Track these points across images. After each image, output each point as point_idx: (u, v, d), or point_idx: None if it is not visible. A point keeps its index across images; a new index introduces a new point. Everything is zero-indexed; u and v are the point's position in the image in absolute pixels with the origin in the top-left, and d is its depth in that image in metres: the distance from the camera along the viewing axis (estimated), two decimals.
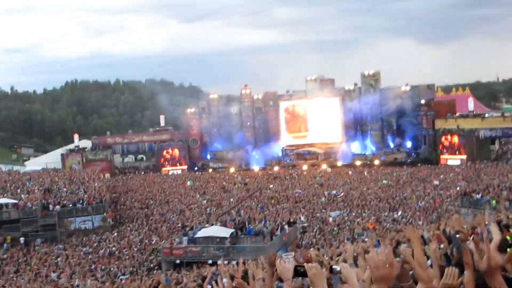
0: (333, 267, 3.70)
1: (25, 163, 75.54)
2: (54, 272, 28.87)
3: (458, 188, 42.71)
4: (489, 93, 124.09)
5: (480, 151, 58.52)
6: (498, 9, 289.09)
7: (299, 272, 3.66)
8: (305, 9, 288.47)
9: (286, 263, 4.04)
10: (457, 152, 58.57)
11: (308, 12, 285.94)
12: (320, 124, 66.11)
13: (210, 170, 63.64)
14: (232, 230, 31.61)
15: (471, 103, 66.23)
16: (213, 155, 67.94)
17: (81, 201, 42.74)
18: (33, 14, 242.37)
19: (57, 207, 41.29)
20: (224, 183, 54.79)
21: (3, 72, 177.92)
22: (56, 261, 32.29)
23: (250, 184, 53.04)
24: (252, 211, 41.25)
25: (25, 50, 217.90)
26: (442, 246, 9.54)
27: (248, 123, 69.08)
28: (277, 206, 43.29)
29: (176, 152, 67.30)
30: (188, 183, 55.16)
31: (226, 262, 24.32)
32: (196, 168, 65.87)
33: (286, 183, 52.38)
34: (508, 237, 7.96)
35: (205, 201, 46.96)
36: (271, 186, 51.53)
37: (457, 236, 10.65)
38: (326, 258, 15.38)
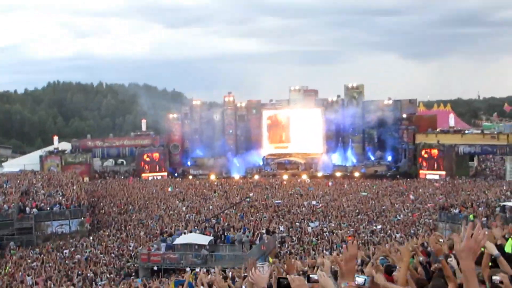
0: (310, 276, 3.72)
1: (3, 164, 74.48)
2: (29, 276, 28.49)
3: (437, 203, 43.20)
4: (469, 110, 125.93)
5: (459, 166, 59.22)
6: (480, 28, 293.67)
7: (282, 284, 3.64)
8: (289, 20, 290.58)
9: (261, 271, 4.06)
10: (435, 166, 59.17)
11: (293, 23, 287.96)
12: (301, 134, 66.43)
13: (191, 177, 63.46)
14: (211, 238, 31.57)
15: (451, 119, 67.03)
16: (194, 162, 67.75)
17: (58, 205, 42.25)
18: (16, 14, 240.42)
19: (34, 210, 40.73)
20: (204, 190, 54.68)
21: None
22: (32, 265, 31.88)
23: (231, 192, 53.00)
24: (231, 219, 41.20)
25: (7, 49, 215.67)
26: (421, 259, 9.72)
27: (230, 131, 69.06)
28: (257, 215, 43.28)
29: (157, 157, 67.00)
30: (169, 189, 54.95)
31: (204, 270, 24.31)
32: (176, 174, 65.61)
33: (266, 192, 52.42)
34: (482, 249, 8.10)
35: (184, 208, 46.81)
36: (251, 194, 51.53)
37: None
38: (306, 268, 15.46)
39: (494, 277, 4.79)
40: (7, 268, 31.09)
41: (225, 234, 33.02)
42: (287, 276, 3.70)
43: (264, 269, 4.14)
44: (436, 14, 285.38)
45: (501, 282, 4.68)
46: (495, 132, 62.98)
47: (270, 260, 27.83)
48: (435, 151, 59.45)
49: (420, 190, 50.75)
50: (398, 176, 59.01)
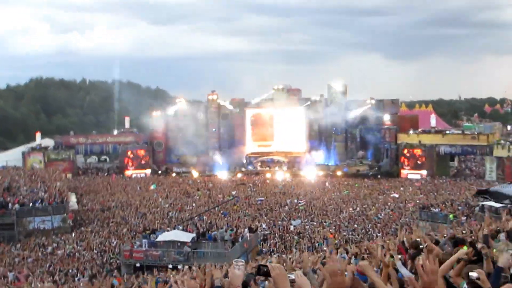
0: (287, 275, 3.63)
1: None
2: (10, 271, 28.33)
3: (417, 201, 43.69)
4: (451, 111, 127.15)
5: (440, 166, 59.86)
6: (461, 30, 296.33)
7: (262, 271, 3.65)
8: (274, 19, 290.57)
9: (236, 269, 4.02)
10: (417, 164, 59.72)
11: (277, 22, 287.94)
12: (285, 133, 66.65)
13: (174, 174, 63.36)
14: (193, 235, 31.60)
15: (433, 120, 67.77)
16: (177, 159, 67.66)
17: (41, 201, 42.00)
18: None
19: (16, 206, 40.47)
20: (187, 187, 54.65)
21: None
22: (13, 261, 31.70)
23: (214, 190, 53.05)
24: (214, 217, 41.26)
25: None
26: (400, 256, 9.95)
27: (214, 129, 69.05)
28: (239, 212, 43.39)
29: (140, 154, 66.79)
30: (152, 187, 54.83)
31: (186, 267, 24.37)
32: (159, 172, 65.46)
33: (249, 190, 52.56)
34: (465, 248, 8.33)
35: (167, 205, 46.76)
36: (233, 192, 51.63)
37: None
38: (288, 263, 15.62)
39: (471, 274, 4.94)
40: None
41: (208, 231, 33.08)
42: (267, 264, 3.70)
43: (239, 267, 4.03)
44: (418, 15, 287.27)
45: (478, 278, 4.83)
46: (476, 133, 63.78)
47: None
48: (417, 151, 60.00)
49: (402, 189, 51.22)
50: (380, 175, 59.45)
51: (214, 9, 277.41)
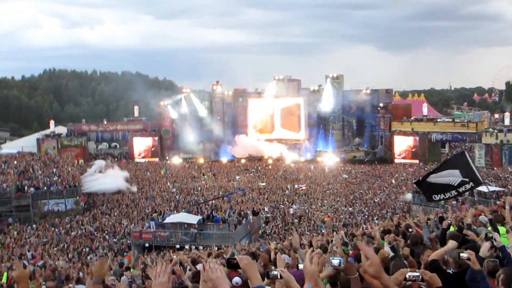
0: (270, 272, 3.47)
1: (1, 146, 73.62)
2: (28, 251, 28.36)
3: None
4: (442, 100, 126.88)
5: (432, 153, 59.61)
6: (451, 22, 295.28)
7: (231, 263, 3.40)
8: (273, 13, 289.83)
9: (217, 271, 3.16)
10: (408, 152, 59.50)
11: (276, 16, 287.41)
12: (285, 122, 66.46)
13: (181, 160, 63.22)
14: (200, 217, 31.57)
15: (425, 108, 67.53)
16: (184, 146, 67.47)
17: (55, 185, 42.01)
18: (11, 3, 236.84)
19: (32, 189, 40.47)
20: (193, 173, 54.57)
21: None
22: (29, 240, 31.72)
23: (219, 175, 52.92)
24: (219, 200, 41.15)
25: (4, 36, 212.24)
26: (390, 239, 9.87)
27: (218, 118, 68.82)
28: (243, 196, 43.27)
29: (149, 141, 66.66)
30: (161, 171, 54.77)
31: (193, 247, 24.31)
32: (167, 158, 65.31)
33: (252, 176, 52.46)
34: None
35: (175, 189, 46.67)
36: (237, 177, 51.50)
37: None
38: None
39: (461, 254, 4.87)
40: (7, 242, 30.94)
41: (213, 214, 33.03)
42: (235, 256, 3.42)
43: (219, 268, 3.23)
44: (410, 8, 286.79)
45: (468, 259, 4.79)
46: (465, 121, 63.48)
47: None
48: (409, 138, 59.78)
49: (396, 175, 51.04)
50: (375, 161, 59.26)
51: (214, 4, 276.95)
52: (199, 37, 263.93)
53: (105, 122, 71.19)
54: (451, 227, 9.55)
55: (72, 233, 33.72)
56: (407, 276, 4.05)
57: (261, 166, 57.01)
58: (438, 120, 65.36)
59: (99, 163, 52.54)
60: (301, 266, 4.40)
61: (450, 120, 66.43)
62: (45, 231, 34.57)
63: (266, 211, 38.27)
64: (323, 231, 29.80)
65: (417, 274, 4.06)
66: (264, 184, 47.83)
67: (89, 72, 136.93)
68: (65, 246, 30.54)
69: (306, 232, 31.63)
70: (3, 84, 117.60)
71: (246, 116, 68.21)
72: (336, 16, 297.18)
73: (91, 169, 50.47)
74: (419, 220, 12.51)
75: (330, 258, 3.99)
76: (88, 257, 27.50)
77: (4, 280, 13.26)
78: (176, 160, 62.10)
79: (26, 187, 40.65)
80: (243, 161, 60.69)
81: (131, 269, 15.33)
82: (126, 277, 12.28)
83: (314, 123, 66.33)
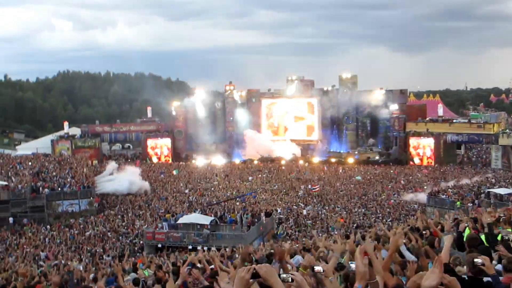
0: (283, 276, 3.37)
1: (17, 147, 74.44)
2: (42, 251, 28.66)
3: (425, 187, 43.32)
4: (457, 101, 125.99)
5: (447, 154, 59.26)
6: (468, 22, 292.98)
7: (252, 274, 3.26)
8: (286, 14, 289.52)
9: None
10: (424, 153, 59.09)
11: (288, 17, 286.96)
12: (298, 122, 66.47)
13: (194, 161, 63.41)
14: (212, 218, 31.66)
15: (440, 109, 67.08)
16: (197, 147, 67.68)
17: (69, 185, 42.42)
18: (25, 7, 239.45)
19: (46, 190, 40.89)
20: (206, 174, 54.69)
21: None
22: (43, 241, 32.03)
23: (232, 176, 53.00)
24: (232, 202, 41.23)
25: (19, 40, 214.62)
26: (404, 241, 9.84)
27: (231, 118, 68.93)
28: (255, 198, 43.29)
29: (162, 142, 66.96)
30: (174, 172, 54.96)
31: (206, 248, 24.40)
32: (188, 158, 65.51)
33: (265, 176, 52.46)
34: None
35: (187, 190, 46.85)
36: (250, 178, 51.56)
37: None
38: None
39: (476, 260, 4.81)
40: (21, 243, 31.29)
41: (226, 215, 33.12)
42: (254, 266, 3.28)
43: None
44: (425, 8, 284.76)
45: (483, 264, 4.74)
46: (482, 122, 63.02)
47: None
48: (424, 139, 59.39)
49: (410, 177, 50.78)
50: (390, 163, 58.99)
51: (227, 5, 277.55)
52: (211, 38, 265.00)
53: (119, 123, 71.66)
54: (467, 229, 9.52)
55: (86, 234, 34.00)
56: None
57: (273, 167, 56.98)
58: (454, 121, 64.98)
59: (112, 165, 52.85)
60: (317, 268, 4.48)
61: (466, 121, 66.00)
62: (59, 231, 34.90)
63: (279, 212, 38.28)
64: (335, 232, 29.74)
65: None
66: (276, 185, 47.76)
67: (102, 74, 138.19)
68: (79, 247, 30.80)
69: (320, 234, 31.56)
70: (18, 86, 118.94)
71: (259, 117, 68.27)
72: (349, 17, 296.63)
73: (105, 171, 50.82)
74: (441, 224, 12.48)
75: (350, 262, 4.03)
76: (101, 258, 27.69)
77: None
78: (200, 161, 62.01)
79: (40, 188, 41.07)
80: (255, 162, 60.73)
81: (145, 271, 15.44)
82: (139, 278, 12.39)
83: (327, 123, 66.20)
